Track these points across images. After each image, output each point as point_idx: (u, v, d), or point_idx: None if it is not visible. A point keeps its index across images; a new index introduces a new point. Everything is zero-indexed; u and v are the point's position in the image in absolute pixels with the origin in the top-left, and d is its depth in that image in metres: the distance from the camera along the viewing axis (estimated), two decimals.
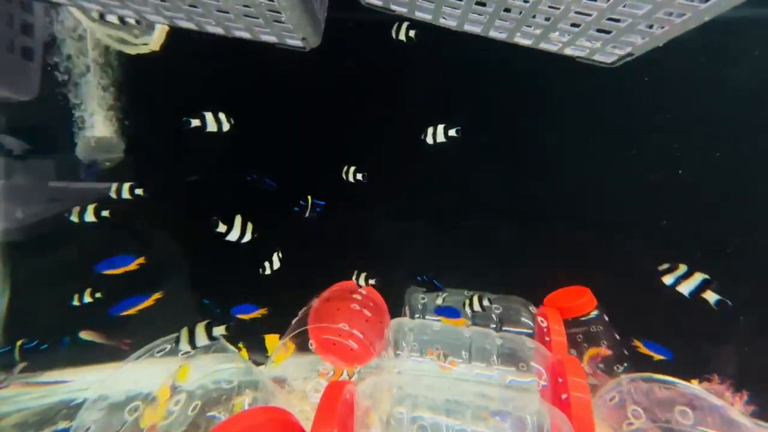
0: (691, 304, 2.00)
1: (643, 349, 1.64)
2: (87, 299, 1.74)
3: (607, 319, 1.82)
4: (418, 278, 1.73)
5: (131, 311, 1.65)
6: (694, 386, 1.48)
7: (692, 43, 0.89)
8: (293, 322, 1.75)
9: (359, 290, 1.84)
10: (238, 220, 1.61)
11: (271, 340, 1.71)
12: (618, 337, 1.80)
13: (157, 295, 1.71)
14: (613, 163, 2.03)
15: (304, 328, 1.68)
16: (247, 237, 1.63)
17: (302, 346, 1.71)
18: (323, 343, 1.70)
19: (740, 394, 1.81)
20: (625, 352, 1.77)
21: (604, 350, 1.75)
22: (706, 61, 1.79)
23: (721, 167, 1.91)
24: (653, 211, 2.05)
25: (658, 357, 1.62)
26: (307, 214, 1.80)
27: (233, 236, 1.59)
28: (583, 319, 1.80)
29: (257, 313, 1.73)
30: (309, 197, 1.82)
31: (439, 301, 1.93)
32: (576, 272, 1.99)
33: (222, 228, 1.58)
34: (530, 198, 2.14)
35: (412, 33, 1.62)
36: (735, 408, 1.73)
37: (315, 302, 1.80)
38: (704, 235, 1.98)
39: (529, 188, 2.14)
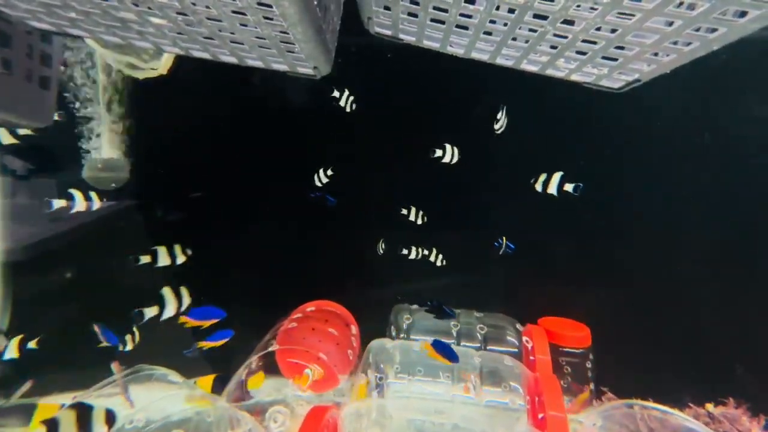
0: (703, 324, 1.99)
1: None
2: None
3: (591, 361, 1.80)
4: (428, 303, 1.69)
5: None
6: (685, 416, 1.47)
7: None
8: (260, 343, 1.72)
9: (331, 309, 1.82)
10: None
11: (205, 382, 1.55)
12: (592, 382, 1.78)
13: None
14: (623, 184, 2.04)
15: (266, 351, 1.65)
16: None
17: (269, 368, 1.67)
18: (288, 366, 1.67)
19: (758, 418, 1.77)
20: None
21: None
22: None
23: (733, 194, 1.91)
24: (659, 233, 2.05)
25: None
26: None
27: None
28: (569, 350, 1.79)
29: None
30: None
31: (427, 323, 1.92)
32: (575, 295, 1.99)
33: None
34: (526, 216, 2.14)
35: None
36: None
37: (284, 323, 1.77)
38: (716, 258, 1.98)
39: (525, 206, 2.14)
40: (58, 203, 1.56)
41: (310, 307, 1.83)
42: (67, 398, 1.77)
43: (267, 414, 1.52)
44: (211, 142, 2.19)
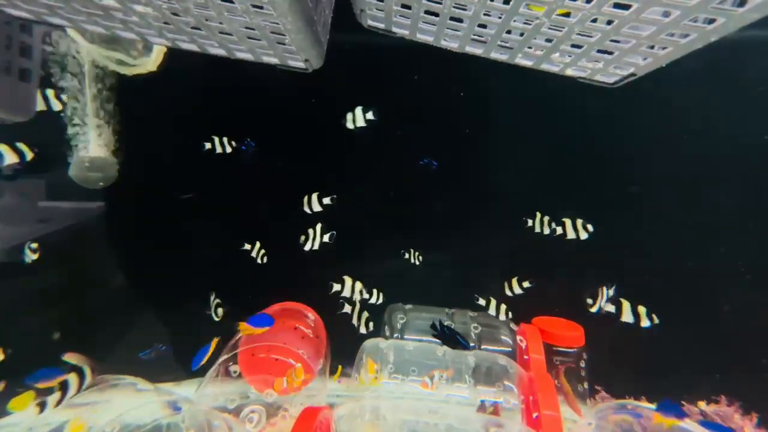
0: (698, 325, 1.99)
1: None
2: None
3: (585, 361, 1.81)
4: (438, 328, 1.56)
5: None
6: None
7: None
8: (228, 345, 1.69)
9: (283, 308, 1.83)
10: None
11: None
12: (586, 381, 1.79)
13: None
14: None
15: (236, 351, 1.63)
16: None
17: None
18: (259, 365, 1.65)
19: (750, 416, 1.78)
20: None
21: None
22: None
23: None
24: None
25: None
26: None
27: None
28: (563, 350, 1.79)
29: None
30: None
31: (421, 323, 1.91)
32: (570, 294, 1.97)
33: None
34: (522, 215, 2.14)
35: (369, 115, 1.69)
36: None
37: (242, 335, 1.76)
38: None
39: (522, 204, 2.14)
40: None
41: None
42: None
43: (242, 415, 1.50)
44: (202, 140, 2.16)
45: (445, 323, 1.59)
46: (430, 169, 1.96)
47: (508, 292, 1.80)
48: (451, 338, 1.53)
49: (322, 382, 1.68)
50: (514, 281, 1.81)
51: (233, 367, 1.61)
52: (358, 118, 1.69)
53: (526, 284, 1.78)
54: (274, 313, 1.80)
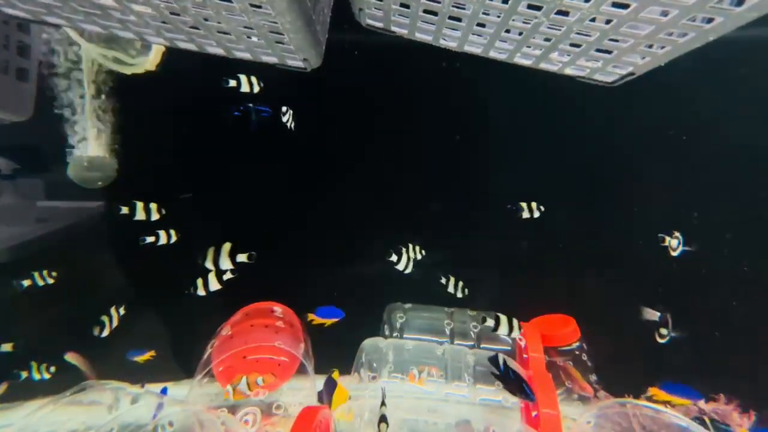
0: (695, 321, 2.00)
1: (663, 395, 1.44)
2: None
3: (586, 352, 1.81)
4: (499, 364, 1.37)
5: None
6: (675, 413, 1.48)
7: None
8: (200, 364, 1.69)
9: (247, 311, 1.84)
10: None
11: None
12: (593, 372, 1.79)
13: None
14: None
15: (229, 352, 1.63)
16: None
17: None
18: (241, 372, 1.64)
19: (748, 414, 1.78)
20: (596, 388, 1.78)
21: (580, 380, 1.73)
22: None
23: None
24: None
25: (681, 401, 1.42)
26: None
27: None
28: (563, 349, 1.79)
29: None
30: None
31: (420, 322, 1.91)
32: (567, 294, 1.98)
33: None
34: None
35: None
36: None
37: (221, 334, 1.77)
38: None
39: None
40: None
41: (225, 328, 1.82)
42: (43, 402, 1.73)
43: (237, 417, 1.51)
44: (200, 139, 2.15)
45: (509, 365, 1.41)
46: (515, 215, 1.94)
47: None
48: (515, 382, 1.37)
49: (308, 371, 1.68)
50: (417, 247, 1.81)
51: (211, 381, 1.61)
52: None
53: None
54: (240, 319, 1.83)
